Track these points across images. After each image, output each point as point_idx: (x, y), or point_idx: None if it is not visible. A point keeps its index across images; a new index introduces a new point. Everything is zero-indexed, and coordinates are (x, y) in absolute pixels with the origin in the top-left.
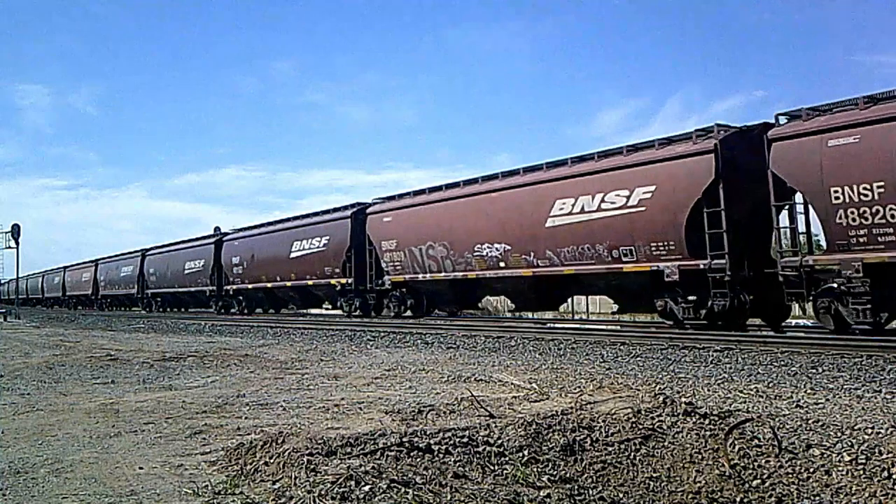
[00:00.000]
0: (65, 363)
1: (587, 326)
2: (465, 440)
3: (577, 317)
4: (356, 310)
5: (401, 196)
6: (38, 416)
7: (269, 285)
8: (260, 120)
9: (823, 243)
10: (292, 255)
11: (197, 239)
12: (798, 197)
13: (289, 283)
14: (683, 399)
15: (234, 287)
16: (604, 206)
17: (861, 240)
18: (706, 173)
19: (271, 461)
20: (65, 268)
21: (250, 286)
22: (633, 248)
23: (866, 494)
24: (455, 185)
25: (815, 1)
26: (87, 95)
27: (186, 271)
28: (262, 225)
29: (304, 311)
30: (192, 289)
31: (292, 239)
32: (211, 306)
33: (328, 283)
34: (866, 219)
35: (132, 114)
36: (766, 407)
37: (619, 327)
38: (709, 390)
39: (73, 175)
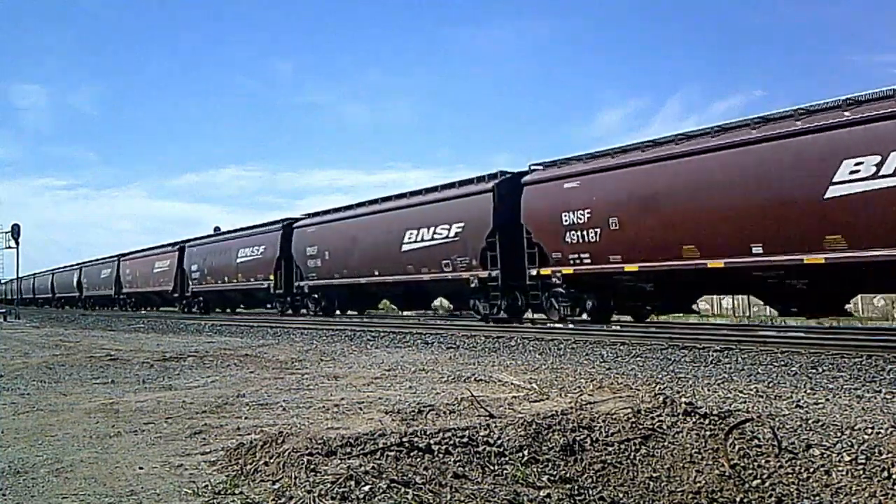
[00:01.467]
0: (65, 363)
1: (587, 326)
2: (465, 440)
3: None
4: None
5: None
6: (38, 416)
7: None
8: (260, 120)
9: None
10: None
11: (432, 190)
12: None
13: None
14: (683, 399)
15: (572, 270)
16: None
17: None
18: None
19: (271, 461)
20: (119, 257)
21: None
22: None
23: (866, 494)
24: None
25: (814, 1)
26: (87, 95)
27: (408, 247)
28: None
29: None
30: (412, 276)
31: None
32: (473, 306)
33: None
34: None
35: (132, 114)
36: (766, 407)
37: (618, 327)
38: (709, 390)
39: (73, 175)
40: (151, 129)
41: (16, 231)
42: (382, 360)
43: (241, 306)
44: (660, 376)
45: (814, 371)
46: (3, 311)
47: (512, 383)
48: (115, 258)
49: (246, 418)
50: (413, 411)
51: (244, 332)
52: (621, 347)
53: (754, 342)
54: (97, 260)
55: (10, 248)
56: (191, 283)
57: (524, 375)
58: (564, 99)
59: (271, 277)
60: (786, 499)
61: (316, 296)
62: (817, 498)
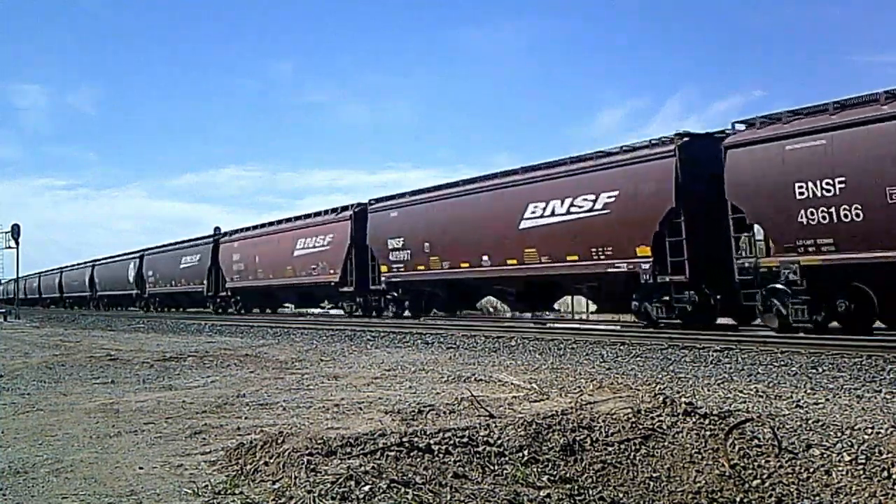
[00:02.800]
0: (65, 363)
1: (587, 326)
2: (465, 440)
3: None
4: None
5: None
6: (38, 416)
7: None
8: (260, 120)
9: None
10: None
11: None
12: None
13: None
14: (683, 399)
15: None
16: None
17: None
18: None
19: (271, 461)
20: (217, 238)
21: None
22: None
23: (866, 494)
24: None
25: (814, 1)
26: (87, 95)
27: None
28: None
29: None
30: None
31: None
32: None
33: None
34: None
35: (132, 114)
36: (766, 407)
37: (618, 327)
38: (709, 390)
39: (73, 175)
40: (151, 129)
41: (16, 231)
42: (382, 360)
43: (495, 302)
44: (660, 376)
45: (814, 371)
46: (3, 311)
47: (512, 383)
48: (210, 240)
49: (246, 418)
50: (413, 411)
51: (244, 332)
52: (621, 347)
53: (754, 342)
54: (174, 245)
55: (10, 248)
56: (388, 268)
57: (524, 375)
58: (564, 99)
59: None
60: (786, 499)
61: None
62: (817, 498)
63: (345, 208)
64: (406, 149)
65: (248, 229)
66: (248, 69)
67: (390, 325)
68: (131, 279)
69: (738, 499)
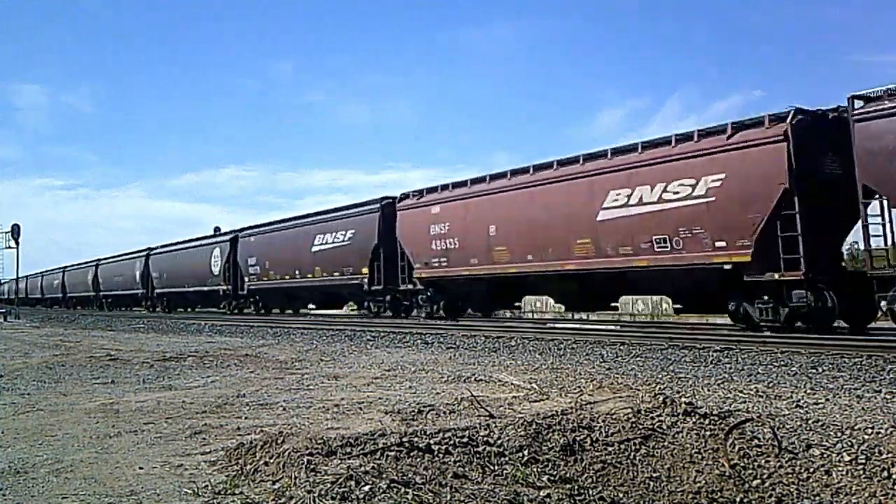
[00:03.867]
0: (65, 363)
1: (587, 326)
2: (465, 440)
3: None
4: None
5: None
6: (38, 416)
7: None
8: (260, 120)
9: None
10: None
11: None
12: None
13: None
14: (683, 399)
15: None
16: None
17: None
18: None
19: (271, 461)
20: (390, 203)
21: None
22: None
23: (866, 494)
24: None
25: (814, 0)
26: (86, 95)
27: None
28: None
29: None
30: None
31: None
32: None
33: None
34: None
35: (132, 114)
36: (766, 407)
37: (619, 327)
38: (709, 390)
39: (72, 175)
40: (151, 129)
41: (16, 231)
42: (382, 360)
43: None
44: (660, 376)
45: (814, 371)
46: (3, 311)
47: (512, 383)
48: (375, 206)
49: (246, 418)
50: (413, 411)
51: (244, 332)
52: (621, 347)
53: (754, 342)
54: (296, 220)
55: (10, 248)
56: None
57: (524, 375)
58: (564, 99)
59: None
60: (786, 499)
61: None
62: (817, 498)
63: (741, 126)
64: (406, 149)
65: (460, 184)
66: (248, 69)
67: (390, 325)
68: (216, 271)
69: (738, 499)
